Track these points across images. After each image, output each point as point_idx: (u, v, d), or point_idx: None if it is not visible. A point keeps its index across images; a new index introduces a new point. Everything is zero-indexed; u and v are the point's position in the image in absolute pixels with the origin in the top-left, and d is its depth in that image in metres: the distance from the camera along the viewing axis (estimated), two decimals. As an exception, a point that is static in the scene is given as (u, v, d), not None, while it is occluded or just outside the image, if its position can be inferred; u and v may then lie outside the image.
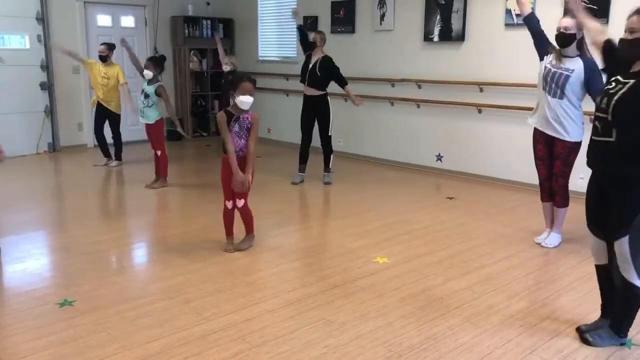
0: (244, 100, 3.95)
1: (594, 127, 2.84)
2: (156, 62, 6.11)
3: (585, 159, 2.96)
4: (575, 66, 4.08)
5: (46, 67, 7.99)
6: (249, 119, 4.04)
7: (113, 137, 7.32)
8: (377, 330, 3.05)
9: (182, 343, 2.88)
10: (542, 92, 4.25)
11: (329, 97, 6.28)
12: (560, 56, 4.17)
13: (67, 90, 8.25)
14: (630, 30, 2.71)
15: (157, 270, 3.89)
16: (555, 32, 4.15)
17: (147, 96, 6.01)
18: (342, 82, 6.24)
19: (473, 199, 5.89)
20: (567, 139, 4.15)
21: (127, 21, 8.86)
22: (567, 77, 4.09)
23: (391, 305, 3.35)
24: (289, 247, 4.39)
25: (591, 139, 2.88)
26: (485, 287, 3.64)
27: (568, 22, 4.07)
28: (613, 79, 2.80)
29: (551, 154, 4.28)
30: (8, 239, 4.36)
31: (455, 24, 6.64)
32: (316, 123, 6.35)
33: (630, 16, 2.73)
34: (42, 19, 7.85)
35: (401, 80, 7.26)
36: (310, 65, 6.21)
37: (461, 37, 6.62)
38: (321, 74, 6.16)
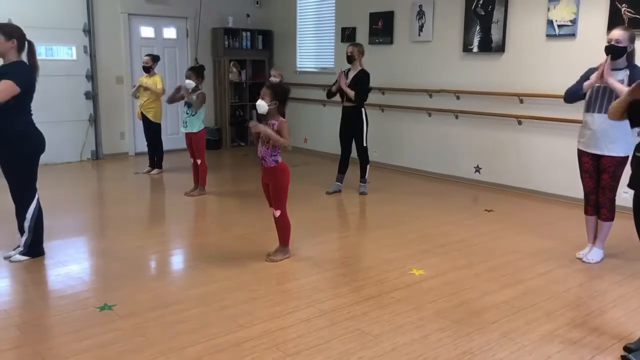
0: (256, 104, 4.05)
1: None
2: (197, 71, 6.24)
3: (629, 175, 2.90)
4: (623, 76, 3.99)
5: (91, 77, 8.24)
6: (275, 126, 4.04)
7: (148, 146, 7.49)
8: (412, 343, 3.02)
9: (217, 350, 2.91)
10: (588, 114, 4.14)
11: (364, 109, 6.27)
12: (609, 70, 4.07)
13: (111, 100, 8.48)
14: None
15: (194, 277, 3.95)
16: (605, 44, 4.03)
17: (190, 105, 6.12)
18: (359, 95, 6.12)
19: (512, 211, 5.78)
20: (615, 154, 4.04)
21: (169, 33, 9.07)
22: None
23: (427, 318, 3.31)
24: (324, 257, 4.39)
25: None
26: (523, 301, 3.56)
27: (619, 34, 3.97)
28: None
29: (597, 167, 4.18)
30: (53, 243, 4.49)
31: (495, 35, 6.57)
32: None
33: None
34: (89, 30, 8.12)
35: (439, 91, 7.21)
36: (348, 81, 6.20)
37: (501, 48, 6.54)
38: (354, 89, 6.14)
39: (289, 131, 4.05)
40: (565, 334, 3.14)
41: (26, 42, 4.00)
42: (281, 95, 4.06)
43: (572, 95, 4.24)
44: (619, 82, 3.97)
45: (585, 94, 4.15)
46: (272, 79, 7.42)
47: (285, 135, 4.00)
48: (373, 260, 4.30)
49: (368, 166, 6.44)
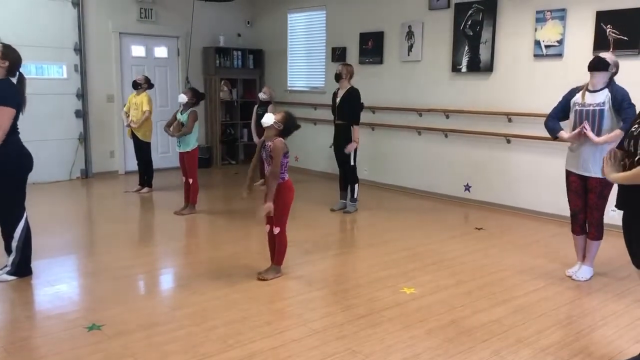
0: (265, 114, 4.10)
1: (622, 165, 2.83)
2: (195, 92, 6.27)
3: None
4: (604, 98, 4.03)
5: (81, 95, 8.23)
6: (270, 146, 4.05)
7: (139, 164, 7.48)
8: (403, 361, 3.00)
9: (207, 370, 2.88)
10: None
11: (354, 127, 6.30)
12: (586, 92, 4.12)
13: (101, 118, 8.47)
14: None
15: (184, 296, 3.91)
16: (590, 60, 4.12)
17: (183, 125, 6.11)
18: (353, 118, 6.23)
19: (502, 229, 5.81)
20: (602, 175, 4.04)
21: (161, 52, 9.11)
22: (601, 111, 4.02)
23: (418, 336, 3.30)
24: (315, 275, 4.38)
25: None
26: (514, 319, 3.56)
27: (608, 54, 4.11)
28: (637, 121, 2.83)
29: (585, 187, 4.21)
30: (40, 262, 4.45)
31: (484, 55, 6.65)
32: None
33: None
34: (80, 49, 8.13)
35: (429, 110, 7.27)
36: (338, 100, 6.28)
37: (489, 68, 6.62)
38: (345, 107, 6.22)
39: (282, 150, 4.04)
40: (556, 352, 3.14)
41: (18, 73, 4.00)
42: (289, 124, 4.11)
43: (550, 131, 4.33)
44: (599, 104, 4.01)
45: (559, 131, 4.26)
46: (261, 95, 7.46)
47: (276, 161, 4.00)
48: (364, 278, 4.29)
49: (357, 185, 6.44)
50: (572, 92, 4.25)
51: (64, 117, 8.10)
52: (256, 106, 7.58)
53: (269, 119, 4.03)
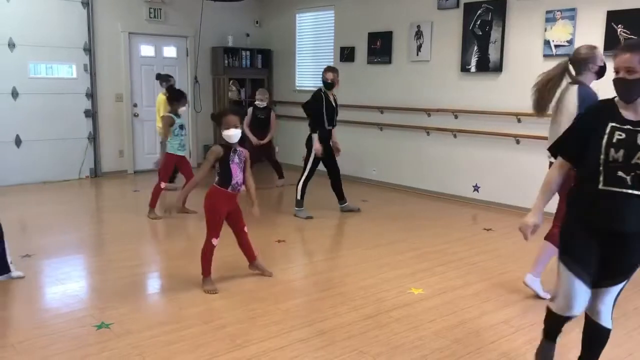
0: (230, 134, 3.93)
1: (617, 178, 2.44)
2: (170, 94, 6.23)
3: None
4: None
5: (91, 95, 8.28)
6: (244, 153, 4.03)
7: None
8: (411, 362, 3.00)
9: (214, 369, 2.89)
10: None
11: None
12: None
13: (110, 118, 8.51)
14: (627, 69, 2.39)
15: (191, 295, 3.92)
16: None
17: (183, 127, 6.07)
18: (335, 123, 6.32)
19: (510, 230, 5.78)
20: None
21: (170, 52, 9.14)
22: None
23: (426, 337, 3.30)
24: (322, 276, 4.38)
25: (609, 191, 2.47)
26: (523, 321, 3.55)
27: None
28: (609, 128, 2.47)
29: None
30: (50, 260, 4.48)
31: (493, 55, 6.63)
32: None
33: (619, 54, 2.43)
34: (89, 49, 8.17)
35: (437, 110, 7.25)
36: (335, 105, 6.20)
37: (499, 68, 6.59)
38: (337, 112, 6.26)
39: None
40: (565, 352, 3.12)
41: None
42: (243, 117, 4.11)
43: None
44: None
45: None
46: (259, 103, 7.53)
47: (249, 171, 4.14)
48: (371, 279, 4.29)
49: None
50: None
51: (73, 117, 8.15)
52: (251, 108, 7.63)
53: (239, 134, 3.98)
